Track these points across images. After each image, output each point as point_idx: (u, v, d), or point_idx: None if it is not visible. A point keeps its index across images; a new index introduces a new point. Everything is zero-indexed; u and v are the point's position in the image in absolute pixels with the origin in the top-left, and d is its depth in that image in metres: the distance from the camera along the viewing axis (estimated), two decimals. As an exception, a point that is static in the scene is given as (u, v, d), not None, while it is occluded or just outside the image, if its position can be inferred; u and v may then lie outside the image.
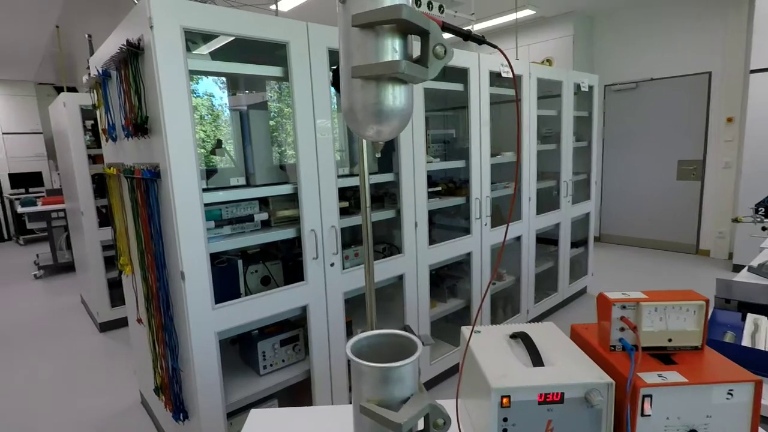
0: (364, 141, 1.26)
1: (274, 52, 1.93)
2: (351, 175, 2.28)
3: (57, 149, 4.32)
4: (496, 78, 3.01)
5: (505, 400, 0.75)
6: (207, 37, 2.05)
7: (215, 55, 1.92)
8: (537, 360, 0.82)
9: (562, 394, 0.75)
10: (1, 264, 6.35)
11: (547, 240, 3.95)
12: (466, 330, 0.95)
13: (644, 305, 0.81)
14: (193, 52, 1.71)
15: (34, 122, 7.97)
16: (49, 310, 4.38)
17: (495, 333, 0.95)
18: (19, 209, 5.43)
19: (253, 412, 1.13)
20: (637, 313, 0.82)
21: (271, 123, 2.17)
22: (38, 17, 4.51)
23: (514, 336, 0.93)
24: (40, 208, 5.35)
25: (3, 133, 7.72)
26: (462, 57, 2.64)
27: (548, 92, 3.79)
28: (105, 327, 3.81)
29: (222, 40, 2.05)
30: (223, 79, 2.16)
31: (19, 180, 7.63)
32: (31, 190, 7.66)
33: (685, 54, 5.46)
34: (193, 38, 2.02)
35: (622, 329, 0.83)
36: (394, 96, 0.70)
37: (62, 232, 5.87)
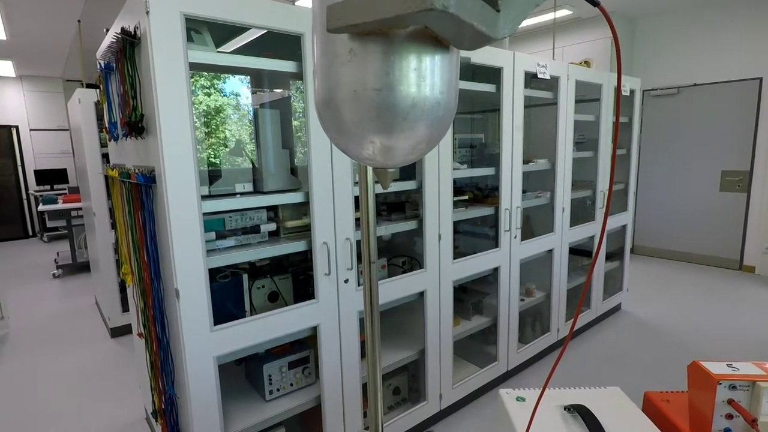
0: (369, 190, 0.77)
1: (296, 52, 1.75)
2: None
3: (74, 146, 4.26)
4: (530, 80, 2.78)
5: None
6: (229, 35, 1.89)
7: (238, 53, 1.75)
8: (608, 453, 0.60)
9: None
10: (22, 261, 6.38)
11: (578, 252, 3.68)
12: (506, 396, 0.73)
13: (764, 387, 0.59)
14: (215, 60, 1.52)
15: (61, 119, 8.04)
16: (62, 312, 4.31)
17: (543, 402, 0.73)
18: (40, 206, 5.41)
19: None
20: (753, 397, 0.60)
21: (294, 123, 1.99)
22: (62, 11, 4.47)
23: (569, 409, 0.71)
24: (59, 206, 5.32)
25: (30, 130, 7.81)
26: (495, 55, 2.41)
27: (583, 96, 3.54)
28: (116, 332, 3.70)
29: (244, 39, 1.88)
30: (238, 76, 1.99)
31: (44, 177, 7.69)
32: (56, 187, 7.72)
33: (734, 58, 5.10)
34: (221, 35, 1.86)
35: (729, 416, 0.61)
36: (420, 73, 0.35)
37: (82, 231, 5.85)
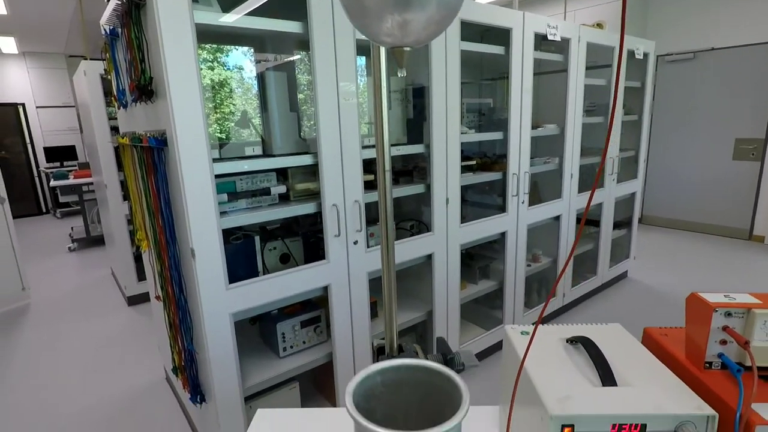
0: (381, 75, 0.78)
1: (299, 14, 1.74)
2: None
3: (82, 121, 4.29)
4: (540, 42, 2.73)
5: (567, 430, 0.57)
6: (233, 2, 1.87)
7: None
8: (607, 377, 0.63)
9: (644, 426, 0.57)
10: (37, 237, 6.51)
11: (587, 220, 3.68)
12: (512, 331, 0.77)
13: (758, 313, 0.61)
14: (221, 20, 1.51)
15: (66, 95, 8.04)
16: (80, 284, 4.43)
17: (547, 335, 0.77)
18: (51, 182, 5.49)
19: (259, 411, 0.99)
20: (747, 323, 0.62)
21: (299, 96, 2.00)
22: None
23: (572, 341, 0.74)
24: (70, 181, 5.40)
25: (37, 107, 7.83)
26: (505, 16, 2.37)
27: (594, 62, 3.47)
28: (133, 301, 3.81)
29: (247, 7, 1.86)
30: (241, 48, 1.99)
31: (53, 154, 7.75)
32: (66, 163, 7.78)
33: (754, 21, 4.93)
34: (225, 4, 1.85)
35: (723, 342, 0.64)
36: None
37: (94, 205, 5.93)
